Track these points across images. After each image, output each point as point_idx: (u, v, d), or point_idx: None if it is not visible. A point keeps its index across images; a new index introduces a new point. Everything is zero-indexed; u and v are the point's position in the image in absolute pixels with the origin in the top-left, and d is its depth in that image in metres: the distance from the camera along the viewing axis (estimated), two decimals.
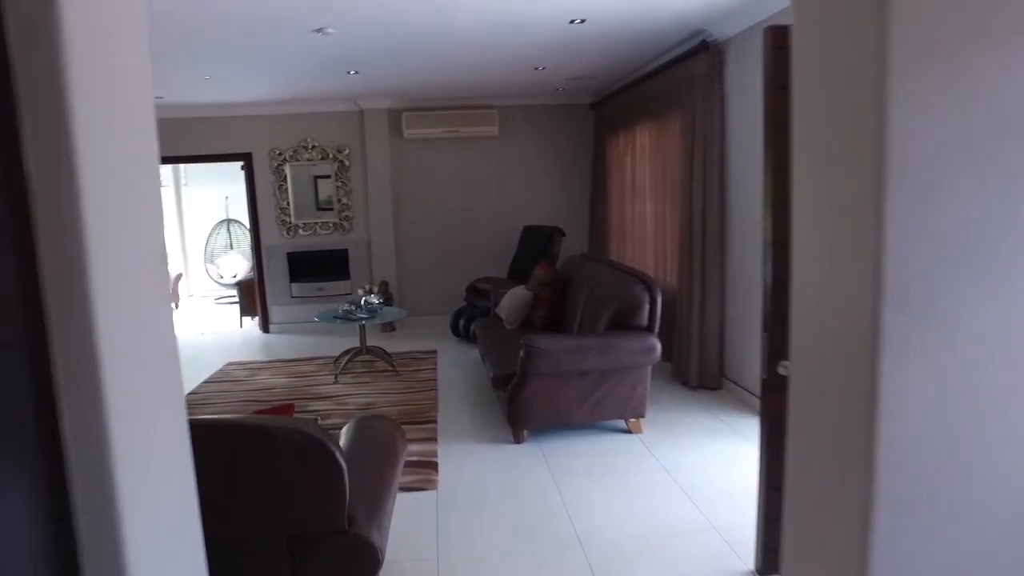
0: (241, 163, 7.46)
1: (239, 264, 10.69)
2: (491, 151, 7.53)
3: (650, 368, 3.97)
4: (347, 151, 7.38)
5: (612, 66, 5.80)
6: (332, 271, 7.64)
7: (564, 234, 6.58)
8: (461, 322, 6.71)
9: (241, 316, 8.41)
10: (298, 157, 7.39)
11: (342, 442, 2.39)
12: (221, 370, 6.07)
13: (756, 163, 4.14)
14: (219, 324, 8.64)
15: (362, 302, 5.75)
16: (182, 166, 11.47)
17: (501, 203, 7.63)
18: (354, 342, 5.91)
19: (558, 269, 5.59)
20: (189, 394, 5.37)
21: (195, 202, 11.95)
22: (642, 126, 5.97)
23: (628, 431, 4.07)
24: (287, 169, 7.41)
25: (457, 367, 5.79)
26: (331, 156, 7.38)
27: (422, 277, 7.72)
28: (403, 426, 4.28)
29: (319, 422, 4.36)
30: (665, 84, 5.25)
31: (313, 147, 7.36)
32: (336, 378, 5.52)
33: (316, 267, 7.64)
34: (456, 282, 7.66)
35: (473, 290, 6.80)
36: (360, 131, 7.36)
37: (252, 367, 6.12)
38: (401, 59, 5.17)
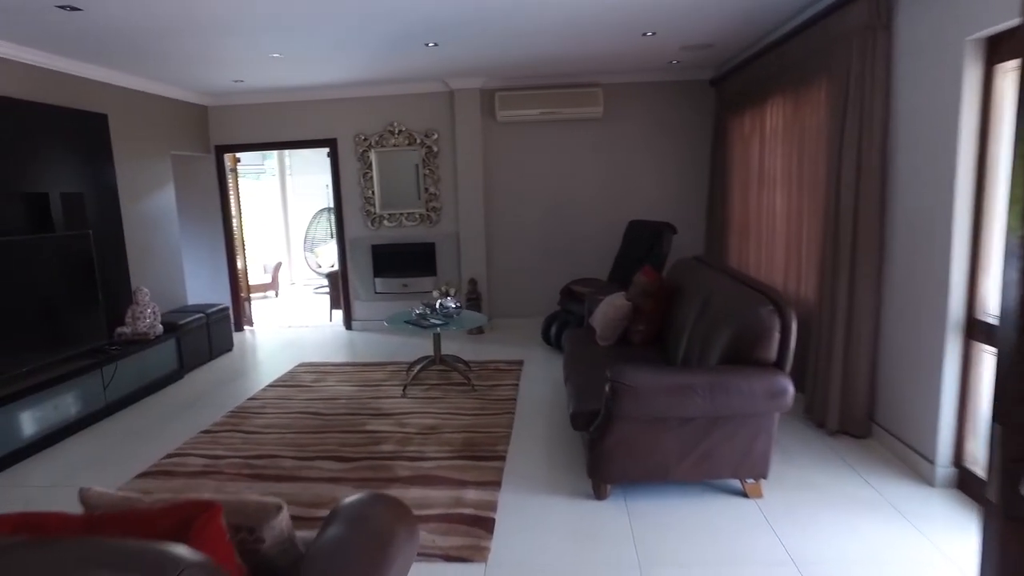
0: (327, 149, 7.05)
1: (335, 254, 10.47)
2: (594, 135, 6.66)
3: (776, 416, 3.01)
4: (435, 136, 6.76)
5: (738, 28, 4.77)
6: (418, 266, 7.09)
7: (675, 231, 5.62)
8: (553, 329, 5.93)
9: (331, 309, 8.10)
10: (384, 143, 6.86)
11: (329, 531, 1.68)
12: (290, 372, 5.65)
13: (941, 145, 3.05)
14: (309, 316, 8.37)
15: (437, 305, 5.11)
16: (287, 155, 11.43)
17: (604, 194, 6.75)
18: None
19: (665, 276, 4.67)
20: (249, 399, 4.96)
21: (299, 190, 11.91)
22: (774, 102, 4.89)
23: (744, 495, 3.14)
24: (372, 155, 6.91)
25: (543, 383, 5.02)
26: (419, 141, 6.80)
27: (514, 276, 7.00)
28: (465, 463, 3.62)
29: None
30: (807, 46, 4.18)
31: (400, 132, 6.81)
32: (404, 390, 4.92)
33: (401, 262, 7.11)
34: (551, 283, 6.88)
35: (568, 293, 6.00)
36: (450, 114, 6.72)
37: (322, 370, 5.66)
38: (484, 26, 4.43)
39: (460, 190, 6.77)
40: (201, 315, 6.08)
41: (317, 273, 10.67)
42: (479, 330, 6.75)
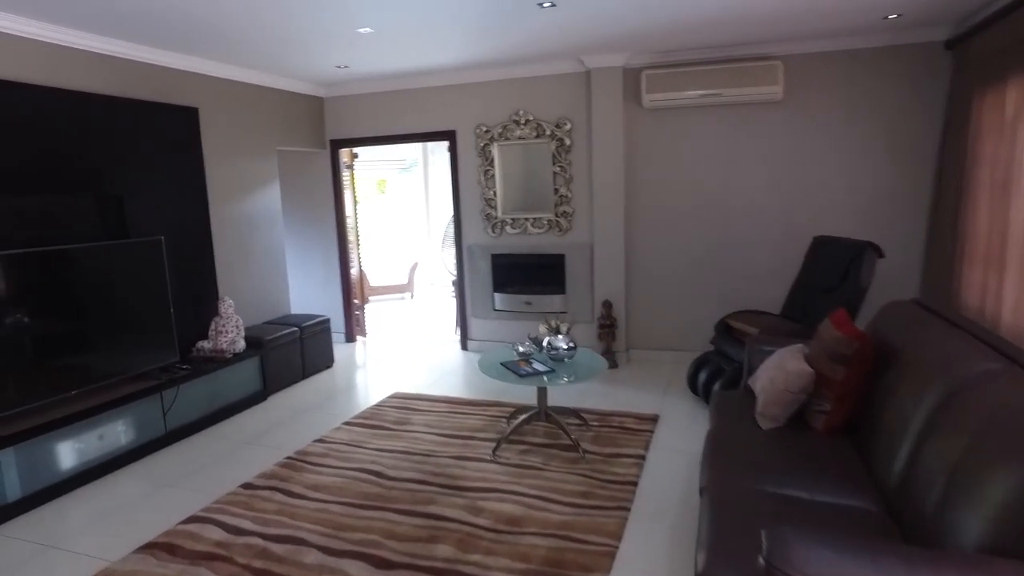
0: (447, 143, 6.15)
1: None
2: (770, 122, 5.12)
3: None
4: (568, 126, 5.59)
5: None
6: (544, 281, 5.97)
7: (881, 255, 4.00)
8: (702, 377, 4.54)
9: (456, 318, 7.24)
10: (508, 135, 5.82)
11: None
12: (378, 405, 4.79)
13: None
14: (436, 325, 7.58)
15: (545, 343, 3.96)
16: (429, 147, 10.82)
17: (780, 200, 5.19)
18: None
19: (866, 328, 3.16)
20: (315, 440, 4.13)
21: (445, 184, 11.29)
22: None
23: None
24: (494, 150, 5.89)
25: (679, 459, 3.70)
26: (548, 133, 5.67)
27: (658, 299, 5.65)
28: None
29: None
30: None
31: (526, 122, 5.72)
32: (496, 450, 3.83)
33: (525, 275, 6.03)
34: (704, 312, 5.46)
35: (725, 330, 4.58)
36: (586, 99, 5.51)
37: (413, 406, 4.74)
38: None
39: (596, 192, 5.55)
40: (294, 329, 5.43)
41: (450, 275, 9.97)
42: (611, 362, 5.50)
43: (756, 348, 3.52)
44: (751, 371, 3.46)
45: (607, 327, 5.56)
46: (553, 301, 5.91)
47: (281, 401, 5.04)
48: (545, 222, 5.83)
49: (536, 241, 5.93)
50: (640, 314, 5.72)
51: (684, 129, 5.33)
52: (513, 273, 6.08)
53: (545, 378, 3.72)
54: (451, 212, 10.29)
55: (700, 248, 5.45)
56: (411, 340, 6.94)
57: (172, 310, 4.44)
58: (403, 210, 11.22)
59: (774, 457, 2.56)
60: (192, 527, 3.11)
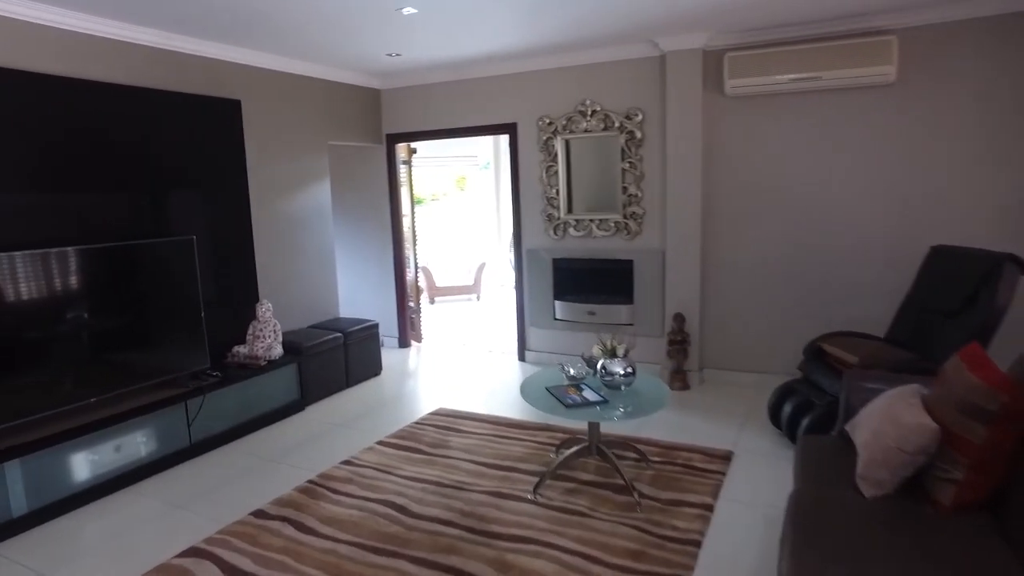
0: (507, 135, 5.68)
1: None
2: (880, 110, 4.35)
3: None
4: (639, 117, 5.00)
5: None
6: (609, 289, 5.39)
7: None
8: (787, 409, 3.86)
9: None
10: (573, 127, 5.27)
11: None
12: (418, 422, 4.38)
13: None
14: (498, 330, 7.14)
15: (599, 367, 3.41)
16: (503, 140, 10.39)
17: (890, 201, 4.41)
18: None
19: (1010, 374, 2.44)
20: (342, 462, 3.75)
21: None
22: None
23: None
24: (558, 144, 5.36)
25: (754, 514, 3.07)
26: (618, 125, 5.09)
27: (738, 314, 4.97)
28: None
29: None
30: None
31: (593, 112, 5.17)
32: (537, 490, 3.31)
33: (589, 282, 5.48)
34: (793, 330, 4.75)
35: (817, 355, 3.89)
36: (660, 86, 4.90)
37: (456, 425, 4.29)
38: None
39: (670, 191, 4.93)
40: (337, 335, 5.10)
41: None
42: (683, 382, 4.88)
43: (856, 384, 2.85)
44: (850, 413, 2.80)
45: (678, 343, 4.93)
46: (619, 312, 5.33)
47: (318, 413, 4.71)
48: (612, 224, 5.26)
49: (602, 245, 5.36)
50: (717, 330, 5.05)
51: (773, 119, 4.63)
52: (576, 280, 5.53)
53: (597, 408, 3.18)
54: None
55: (789, 257, 4.74)
56: (469, 347, 6.52)
57: (203, 313, 4.18)
58: (476, 208, 10.87)
59: (879, 543, 1.93)
60: (188, 561, 2.77)
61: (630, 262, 5.25)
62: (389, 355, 6.14)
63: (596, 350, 3.44)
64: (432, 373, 5.64)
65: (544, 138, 5.39)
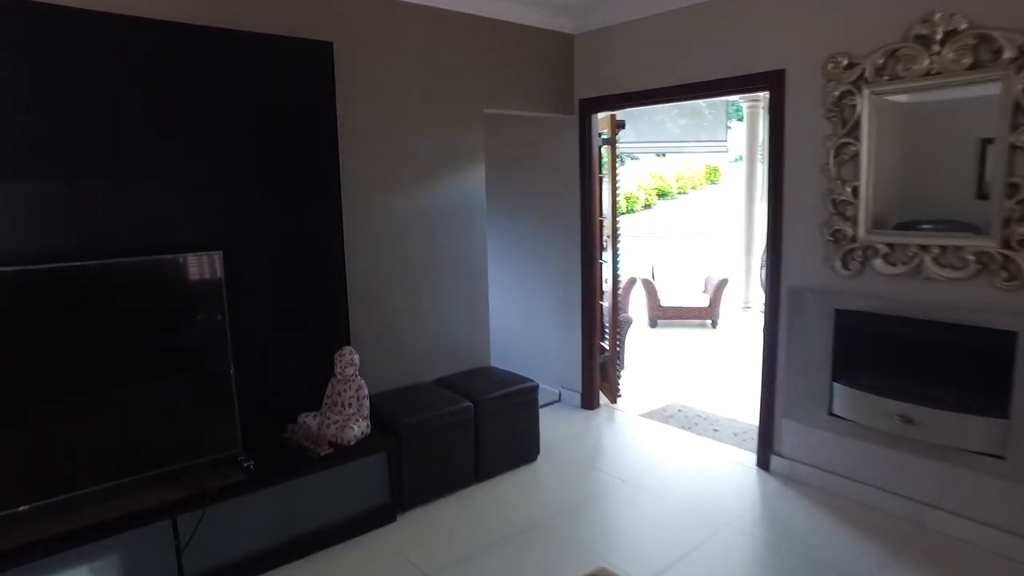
0: (763, 95, 3.35)
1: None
2: None
3: None
4: None
5: None
6: (951, 380, 2.83)
7: None
8: None
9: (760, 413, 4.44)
10: (898, 70, 2.78)
11: None
12: None
13: None
14: (732, 382, 4.90)
15: None
16: (760, 116, 7.80)
17: None
18: None
19: None
20: None
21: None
22: None
23: None
24: (863, 103, 2.90)
25: None
26: (1007, 58, 2.50)
27: None
28: None
29: None
30: None
31: (947, 35, 2.63)
32: None
33: (908, 361, 2.97)
34: None
35: None
36: None
37: None
38: None
39: None
40: (466, 405, 3.31)
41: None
42: None
43: None
44: None
45: None
46: (969, 427, 2.75)
47: (416, 528, 2.99)
48: (972, 256, 2.69)
49: (942, 295, 2.81)
50: None
51: None
52: (879, 353, 3.05)
53: None
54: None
55: None
56: (684, 421, 4.32)
57: (233, 369, 2.66)
58: (719, 210, 8.40)
59: None
60: None
61: (1011, 335, 2.63)
62: (562, 421, 4.23)
63: None
64: (617, 468, 3.60)
65: (836, 94, 2.98)
